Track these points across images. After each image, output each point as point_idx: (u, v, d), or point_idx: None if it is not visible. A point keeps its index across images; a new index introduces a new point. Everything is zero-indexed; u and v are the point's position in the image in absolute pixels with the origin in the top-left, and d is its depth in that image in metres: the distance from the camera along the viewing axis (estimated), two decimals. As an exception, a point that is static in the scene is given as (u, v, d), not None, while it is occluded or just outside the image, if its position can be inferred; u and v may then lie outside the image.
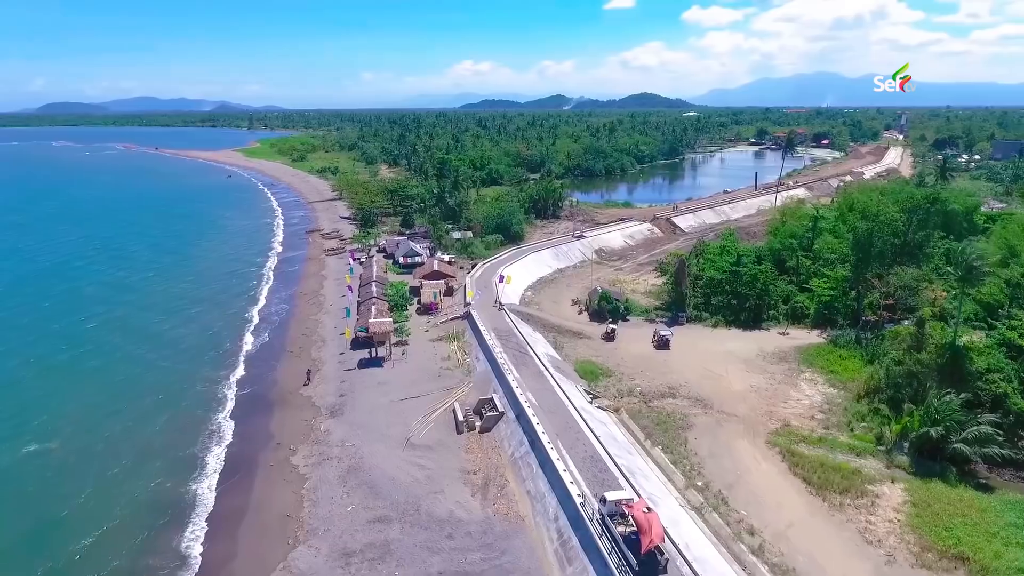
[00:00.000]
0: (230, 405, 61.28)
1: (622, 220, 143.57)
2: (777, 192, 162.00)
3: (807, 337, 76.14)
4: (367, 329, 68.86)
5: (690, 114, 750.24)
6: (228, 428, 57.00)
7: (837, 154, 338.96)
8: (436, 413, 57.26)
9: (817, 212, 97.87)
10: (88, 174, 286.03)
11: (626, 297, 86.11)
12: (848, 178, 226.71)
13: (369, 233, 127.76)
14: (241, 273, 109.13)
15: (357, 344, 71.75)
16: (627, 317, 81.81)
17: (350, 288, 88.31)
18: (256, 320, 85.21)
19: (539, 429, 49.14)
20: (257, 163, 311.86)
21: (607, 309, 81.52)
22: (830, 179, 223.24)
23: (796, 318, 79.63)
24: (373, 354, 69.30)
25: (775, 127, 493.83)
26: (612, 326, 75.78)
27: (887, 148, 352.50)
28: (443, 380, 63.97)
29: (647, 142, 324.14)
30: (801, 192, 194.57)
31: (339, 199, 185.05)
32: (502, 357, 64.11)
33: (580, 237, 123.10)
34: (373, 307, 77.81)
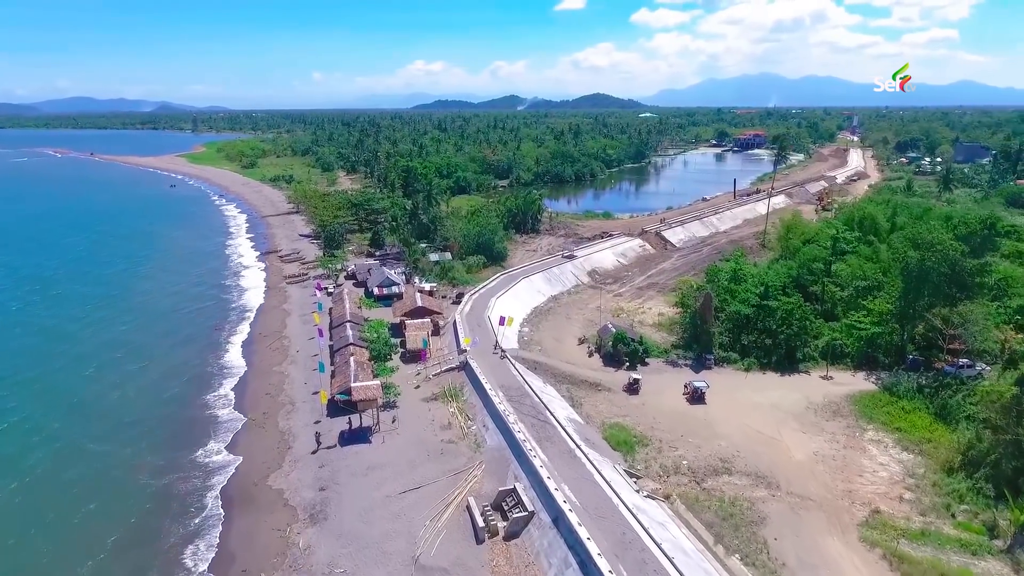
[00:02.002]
0: (178, 509, 47.94)
1: (609, 235, 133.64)
2: (769, 200, 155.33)
3: (852, 381, 67.15)
4: (349, 395, 56.24)
5: (646, 115, 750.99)
6: (177, 549, 43.79)
7: (800, 156, 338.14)
8: (447, 512, 45.41)
9: (837, 232, 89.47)
10: (13, 184, 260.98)
11: (640, 335, 75.64)
12: (823, 183, 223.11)
13: (335, 256, 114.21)
14: (191, 311, 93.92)
15: (335, 408, 59.15)
16: (646, 360, 71.36)
17: (320, 331, 75.29)
18: (209, 375, 71.25)
19: (591, 548, 37.88)
20: (203, 170, 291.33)
21: (624, 353, 70.90)
22: (806, 184, 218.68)
23: (834, 357, 70.46)
24: (357, 424, 56.76)
25: (732, 128, 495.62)
26: (635, 376, 65.13)
27: (847, 150, 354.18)
28: (447, 459, 52.06)
29: (614, 146, 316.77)
30: (781, 199, 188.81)
31: (296, 212, 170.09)
32: (519, 428, 52.65)
33: (571, 257, 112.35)
34: (352, 359, 65.12)
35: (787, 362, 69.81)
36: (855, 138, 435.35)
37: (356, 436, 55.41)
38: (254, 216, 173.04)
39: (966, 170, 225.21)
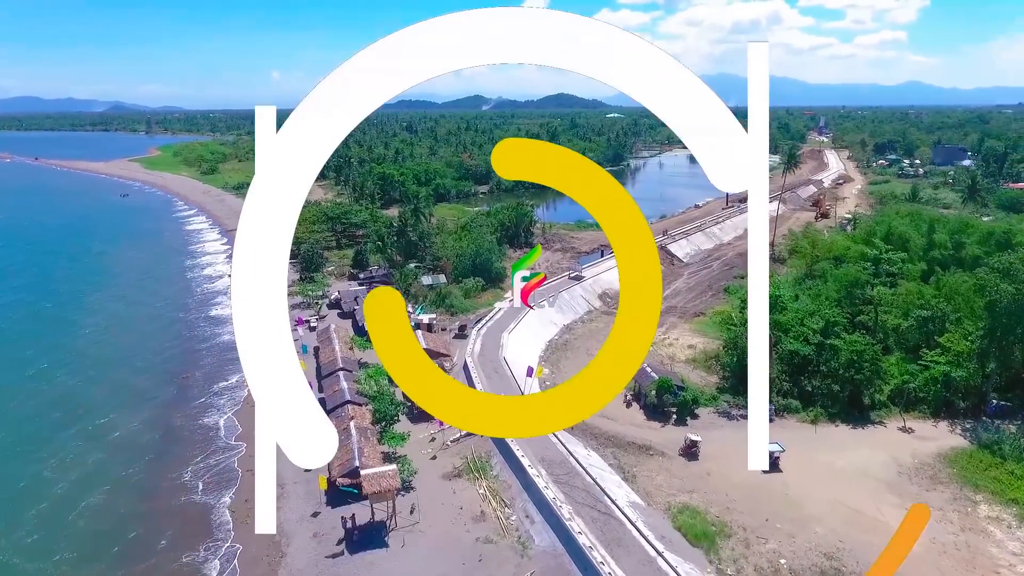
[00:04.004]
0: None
1: (610, 248, 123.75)
2: (779, 207, 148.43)
3: (936, 434, 58.35)
4: (359, 487, 44.78)
5: (613, 115, 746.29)
6: None
7: (776, 157, 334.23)
8: (503, 661, 34.54)
9: (880, 252, 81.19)
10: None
11: (682, 378, 65.90)
12: (812, 188, 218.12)
13: (315, 280, 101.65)
14: (155, 356, 79.90)
15: (337, 494, 47.69)
16: (696, 412, 61.55)
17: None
18: (176, 450, 58.80)
19: None
20: (159, 177, 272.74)
21: (670, 404, 60.93)
22: (796, 189, 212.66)
23: (907, 403, 61.69)
24: (364, 522, 45.16)
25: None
26: (693, 437, 55.12)
27: (821, 151, 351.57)
28: (488, 569, 40.96)
29: (592, 148, 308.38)
30: (774, 206, 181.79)
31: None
32: (577, 526, 42.06)
33: (579, 279, 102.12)
34: (351, 424, 53.50)
35: (857, 411, 60.81)
36: (825, 139, 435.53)
37: (369, 537, 43.89)
38: (218, 229, 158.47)
39: (952, 173, 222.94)
